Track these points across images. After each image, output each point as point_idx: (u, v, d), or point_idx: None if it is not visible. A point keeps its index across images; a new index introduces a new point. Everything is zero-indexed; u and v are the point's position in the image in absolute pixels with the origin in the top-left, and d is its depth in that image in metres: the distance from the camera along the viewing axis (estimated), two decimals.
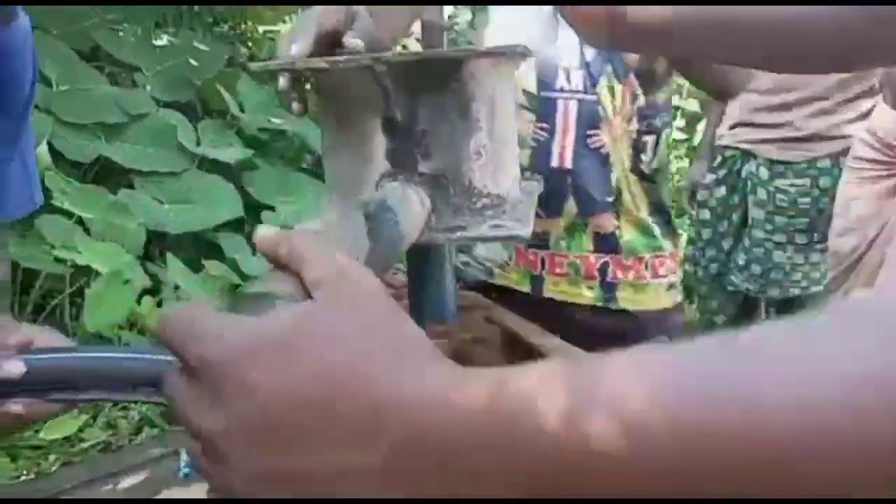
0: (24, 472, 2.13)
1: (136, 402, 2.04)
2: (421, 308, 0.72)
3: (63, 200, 2.54)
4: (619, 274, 1.04)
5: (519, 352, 0.68)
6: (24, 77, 0.77)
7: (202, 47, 3.73)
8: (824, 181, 1.80)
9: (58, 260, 2.46)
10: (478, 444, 0.25)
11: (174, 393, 0.30)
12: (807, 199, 1.83)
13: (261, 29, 5.01)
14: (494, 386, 0.25)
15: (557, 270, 1.05)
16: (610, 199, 1.03)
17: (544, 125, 1.01)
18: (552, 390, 0.24)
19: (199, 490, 2.07)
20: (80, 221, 2.55)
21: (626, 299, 1.05)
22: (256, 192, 3.41)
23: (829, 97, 1.69)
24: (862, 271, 1.54)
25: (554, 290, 1.06)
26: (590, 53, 1.00)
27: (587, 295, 1.05)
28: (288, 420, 0.26)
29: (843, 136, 1.66)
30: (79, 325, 2.46)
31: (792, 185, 1.83)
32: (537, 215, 1.02)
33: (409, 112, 0.59)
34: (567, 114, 1.00)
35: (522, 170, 1.02)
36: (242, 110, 3.64)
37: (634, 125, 1.02)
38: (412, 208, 0.54)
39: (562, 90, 1.00)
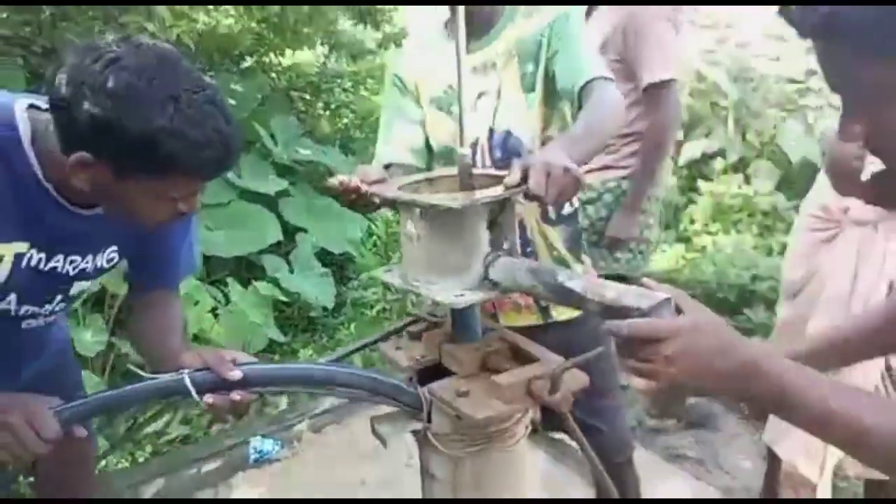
0: (122, 461, 2.59)
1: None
2: (461, 332, 1.17)
3: None
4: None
5: (519, 357, 1.12)
6: None
7: (238, 88, 4.18)
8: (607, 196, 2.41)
9: None
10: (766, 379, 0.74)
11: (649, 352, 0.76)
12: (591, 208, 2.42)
13: (284, 62, 5.48)
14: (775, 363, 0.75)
15: (505, 307, 1.52)
16: (529, 249, 1.49)
17: None
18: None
19: (265, 474, 2.52)
20: None
21: (560, 312, 1.52)
22: (291, 217, 3.86)
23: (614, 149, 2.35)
24: (805, 295, 1.96)
25: (507, 319, 1.53)
26: (498, 153, 1.48)
27: (531, 318, 1.52)
28: (701, 361, 0.74)
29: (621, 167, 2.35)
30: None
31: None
32: None
33: (498, 217, 1.06)
34: None
35: None
36: (276, 143, 4.10)
37: None
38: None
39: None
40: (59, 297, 1.26)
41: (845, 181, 1.62)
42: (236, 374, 1.05)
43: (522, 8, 1.49)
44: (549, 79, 1.45)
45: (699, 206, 4.18)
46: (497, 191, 1.06)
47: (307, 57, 5.78)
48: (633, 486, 1.80)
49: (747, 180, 4.17)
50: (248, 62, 5.21)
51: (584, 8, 1.60)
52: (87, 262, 1.23)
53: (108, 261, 1.27)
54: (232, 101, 4.16)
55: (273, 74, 5.49)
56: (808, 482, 1.84)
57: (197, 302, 2.84)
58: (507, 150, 1.50)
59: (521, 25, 1.49)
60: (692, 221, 4.19)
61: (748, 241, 3.80)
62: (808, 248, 1.94)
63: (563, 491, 2.37)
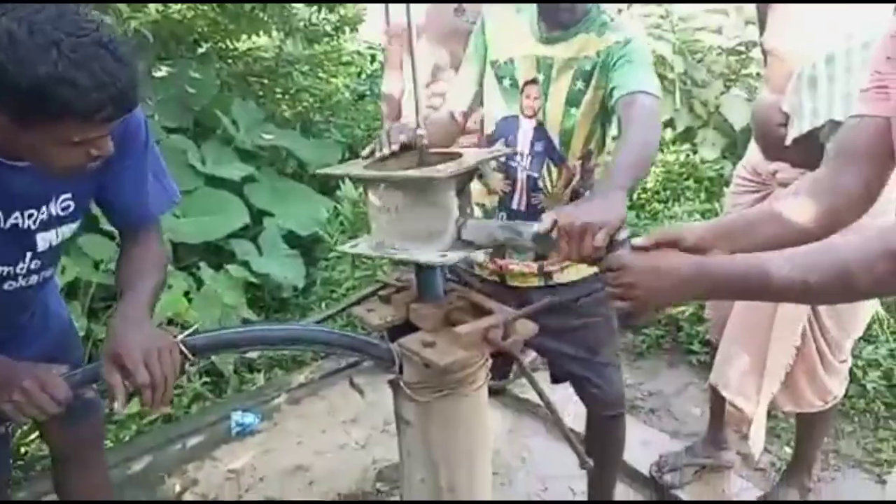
0: (107, 442, 2.68)
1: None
2: (425, 293, 1.32)
3: (103, 222, 3.06)
4: (550, 266, 1.67)
5: (477, 312, 1.28)
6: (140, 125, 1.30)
7: (197, 75, 4.22)
8: None
9: (105, 272, 3.00)
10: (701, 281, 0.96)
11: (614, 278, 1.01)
12: None
13: (240, 47, 5.50)
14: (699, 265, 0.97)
15: (513, 271, 1.69)
16: None
17: (509, 182, 1.65)
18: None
19: (247, 445, 2.64)
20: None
21: (560, 276, 1.67)
22: (257, 201, 3.94)
23: None
24: None
25: (513, 281, 1.70)
26: (538, 146, 1.62)
27: (534, 280, 1.69)
28: (653, 283, 0.98)
29: None
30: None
31: None
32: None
33: (465, 187, 1.21)
34: (523, 180, 1.64)
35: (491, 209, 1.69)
36: (238, 129, 4.16)
37: (571, 186, 1.65)
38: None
39: (520, 165, 1.64)
40: (28, 255, 1.27)
41: (772, 147, 1.80)
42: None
43: (598, 21, 1.57)
44: (602, 99, 1.57)
45: (651, 175, 4.38)
46: (465, 162, 1.22)
47: (263, 41, 5.80)
48: (621, 439, 1.94)
49: (694, 149, 4.37)
50: (204, 48, 5.22)
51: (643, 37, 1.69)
52: (43, 213, 1.25)
53: (63, 209, 1.29)
54: (191, 90, 4.21)
55: (229, 60, 5.52)
56: (746, 418, 2.05)
57: (170, 286, 2.93)
58: (545, 148, 1.62)
59: (592, 40, 1.56)
60: (644, 190, 4.39)
61: (695, 207, 4.01)
62: (742, 210, 2.12)
63: (527, 440, 2.55)
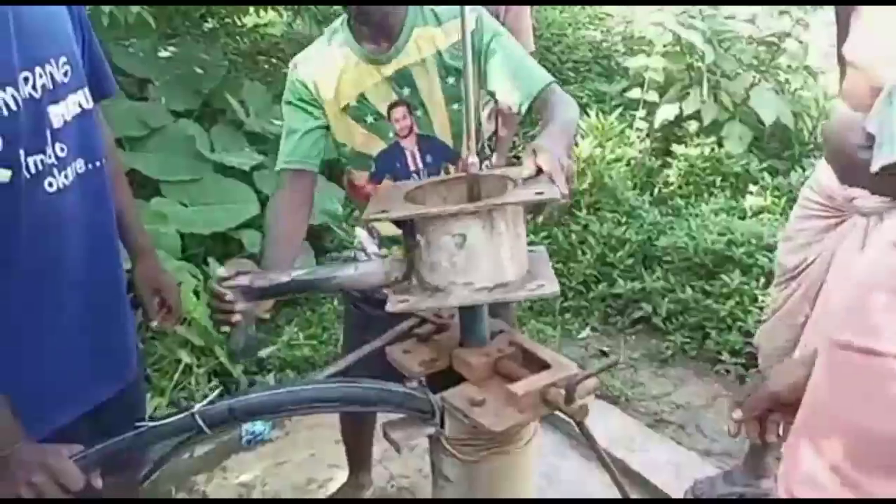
0: None
1: None
2: (469, 336, 1.19)
3: None
4: None
5: (530, 361, 1.14)
6: None
7: (205, 56, 4.03)
8: None
9: None
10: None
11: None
12: None
13: (247, 22, 5.31)
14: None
15: None
16: None
17: None
18: None
19: (258, 456, 2.53)
20: None
21: None
22: (266, 189, 3.78)
23: None
24: (803, 283, 1.91)
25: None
26: (429, 158, 1.61)
27: None
28: None
29: None
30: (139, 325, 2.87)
31: None
32: None
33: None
34: None
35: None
36: (248, 114, 3.99)
37: None
38: None
39: (417, 173, 1.62)
40: (48, 134, 1.17)
41: (850, 171, 1.59)
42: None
43: (427, 11, 1.53)
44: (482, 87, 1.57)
45: (673, 169, 4.22)
46: (527, 193, 1.08)
47: (271, 15, 5.60)
48: None
49: (720, 143, 4.20)
50: (211, 24, 5.03)
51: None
52: (46, 78, 1.17)
53: (64, 74, 1.22)
54: (199, 70, 4.03)
55: (237, 37, 5.33)
56: None
57: (180, 283, 2.79)
58: (437, 155, 1.60)
59: (433, 33, 1.52)
60: (666, 185, 4.23)
61: (721, 205, 3.85)
62: (810, 235, 1.91)
63: (553, 458, 2.44)
